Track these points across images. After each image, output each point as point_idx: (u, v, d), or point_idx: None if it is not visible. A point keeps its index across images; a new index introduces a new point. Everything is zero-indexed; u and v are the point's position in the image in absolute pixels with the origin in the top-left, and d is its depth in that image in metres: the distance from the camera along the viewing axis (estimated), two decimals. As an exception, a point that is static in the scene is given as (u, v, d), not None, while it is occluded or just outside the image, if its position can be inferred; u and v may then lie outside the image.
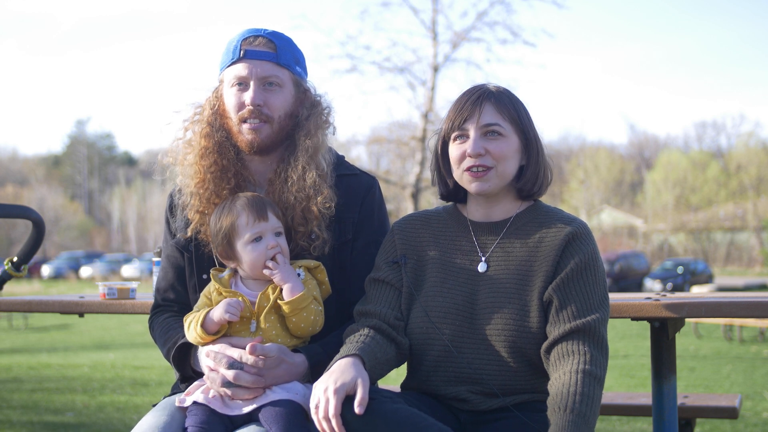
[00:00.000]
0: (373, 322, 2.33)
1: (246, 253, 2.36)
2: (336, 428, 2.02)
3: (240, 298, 2.36)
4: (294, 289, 2.34)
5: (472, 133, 2.33)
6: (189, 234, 2.54)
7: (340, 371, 2.09)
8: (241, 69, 2.48)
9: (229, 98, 2.51)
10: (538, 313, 2.25)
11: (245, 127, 2.48)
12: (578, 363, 2.14)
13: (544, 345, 2.23)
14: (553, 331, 2.22)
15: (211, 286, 2.43)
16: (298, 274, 2.38)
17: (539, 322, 2.25)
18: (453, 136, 2.37)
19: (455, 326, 2.29)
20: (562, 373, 2.15)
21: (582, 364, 2.14)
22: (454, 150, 2.37)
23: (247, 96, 2.47)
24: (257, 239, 2.36)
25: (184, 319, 2.44)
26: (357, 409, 2.01)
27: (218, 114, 2.54)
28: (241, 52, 2.48)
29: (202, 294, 2.46)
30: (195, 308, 2.45)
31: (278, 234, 2.40)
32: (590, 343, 2.19)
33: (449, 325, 2.30)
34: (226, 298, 2.37)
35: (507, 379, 2.26)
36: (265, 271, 2.35)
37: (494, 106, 2.34)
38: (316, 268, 2.44)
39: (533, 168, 2.38)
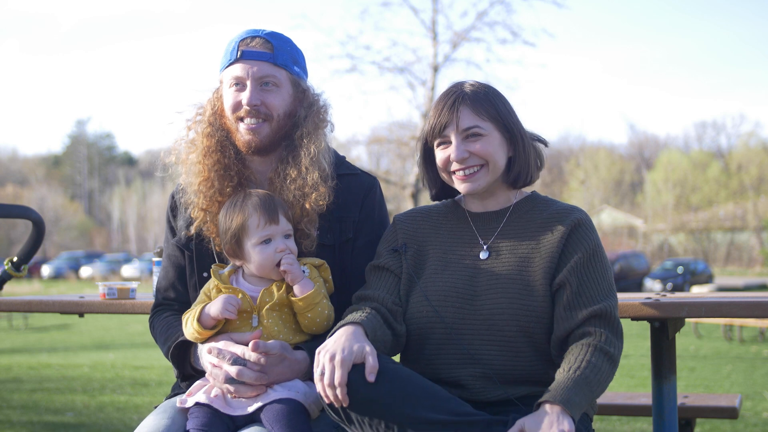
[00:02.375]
0: (372, 305, 2.35)
1: (255, 254, 2.37)
2: (341, 397, 2.04)
3: (240, 295, 2.36)
4: (305, 286, 2.36)
5: (453, 138, 2.37)
6: (192, 231, 2.55)
7: (345, 339, 2.11)
8: (237, 69, 2.49)
9: (227, 98, 2.52)
10: (543, 293, 2.28)
11: (243, 127, 2.49)
12: (593, 339, 2.21)
13: (559, 333, 2.25)
14: (570, 318, 2.25)
15: (211, 283, 2.44)
16: (303, 271, 2.40)
17: (543, 301, 2.28)
18: (436, 142, 2.41)
19: (456, 308, 2.31)
20: (575, 346, 2.21)
21: (596, 341, 2.20)
22: (439, 155, 2.42)
23: (244, 96, 2.48)
24: (266, 241, 2.37)
25: (183, 316, 2.44)
26: (369, 377, 2.05)
27: (218, 114, 2.56)
28: (238, 53, 2.49)
29: (201, 291, 2.47)
30: (193, 305, 2.45)
31: (287, 236, 2.41)
32: (607, 325, 2.24)
33: (449, 307, 2.32)
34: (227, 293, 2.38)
35: (509, 360, 2.27)
36: (282, 268, 2.36)
37: (470, 108, 2.36)
38: (320, 266, 2.45)
39: (522, 157, 2.40)
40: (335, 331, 2.17)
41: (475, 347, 2.29)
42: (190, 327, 2.37)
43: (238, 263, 2.43)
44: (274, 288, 2.38)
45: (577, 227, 2.33)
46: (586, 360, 2.15)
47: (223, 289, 2.39)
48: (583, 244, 2.31)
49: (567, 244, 2.31)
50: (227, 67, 2.52)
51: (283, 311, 2.39)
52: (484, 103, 2.37)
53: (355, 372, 2.05)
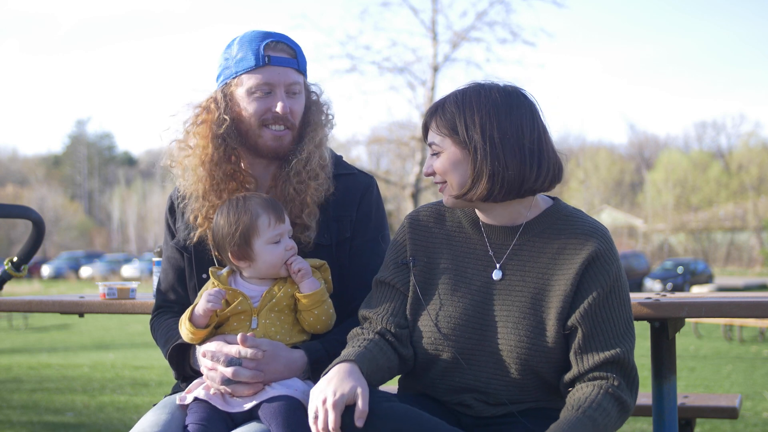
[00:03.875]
0: (377, 329, 2.30)
1: (265, 253, 2.37)
2: None
3: (240, 298, 2.36)
4: (313, 284, 2.37)
5: (428, 153, 2.33)
6: (194, 240, 2.54)
7: (338, 380, 2.06)
8: (267, 75, 2.44)
9: (250, 103, 2.46)
10: (554, 333, 2.18)
11: (269, 133, 2.47)
12: (605, 383, 2.12)
13: (568, 376, 2.18)
14: (581, 363, 2.16)
15: (210, 285, 2.43)
16: None
17: (554, 340, 2.18)
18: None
19: (465, 338, 2.24)
20: (586, 385, 2.13)
21: (608, 385, 2.11)
22: None
23: (277, 103, 2.44)
24: (277, 240, 2.37)
25: (180, 318, 2.44)
26: (357, 422, 2.00)
27: (230, 117, 2.49)
28: (267, 59, 2.44)
29: (199, 294, 2.46)
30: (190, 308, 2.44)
31: (290, 235, 2.43)
32: (621, 373, 2.15)
33: (459, 336, 2.24)
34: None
35: (514, 393, 2.23)
36: (293, 267, 2.36)
37: (436, 123, 2.27)
38: (321, 266, 2.45)
39: (478, 172, 2.19)
40: (330, 369, 2.12)
41: (481, 380, 2.23)
42: (184, 328, 2.38)
43: (243, 265, 2.41)
44: (276, 288, 2.39)
45: (594, 262, 2.17)
46: (597, 402, 2.06)
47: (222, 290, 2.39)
48: (599, 281, 2.16)
49: (582, 282, 2.17)
50: (251, 71, 2.46)
51: (284, 312, 2.39)
52: (448, 117, 2.24)
53: (348, 415, 2.01)
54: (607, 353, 2.14)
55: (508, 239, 2.29)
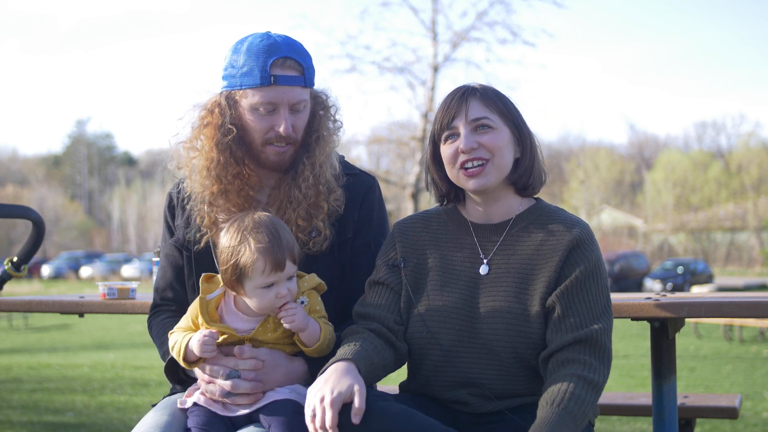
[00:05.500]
0: (372, 326, 2.31)
1: (254, 296, 2.26)
2: None
3: (225, 335, 2.27)
4: (313, 333, 2.29)
5: (462, 129, 2.29)
6: (202, 245, 2.52)
7: (336, 378, 2.06)
8: (272, 95, 2.41)
9: (254, 120, 2.44)
10: (540, 320, 2.23)
11: (271, 149, 2.46)
12: (576, 368, 2.15)
13: (544, 353, 2.21)
14: (555, 341, 2.20)
15: (196, 312, 2.31)
16: (302, 302, 2.32)
17: (540, 328, 2.23)
18: (443, 136, 2.34)
19: (455, 331, 2.27)
20: (558, 376, 2.15)
21: (579, 370, 2.14)
22: (447, 150, 2.33)
23: (280, 124, 2.42)
24: (268, 286, 2.26)
25: (169, 334, 2.38)
26: (354, 419, 2.00)
27: (235, 126, 2.47)
28: (272, 78, 2.40)
29: (188, 314, 2.36)
30: (178, 327, 2.37)
31: (290, 279, 2.29)
32: (591, 352, 2.18)
33: (449, 329, 2.28)
34: (209, 328, 2.28)
35: (507, 384, 2.26)
36: (283, 322, 2.25)
37: (480, 101, 2.31)
38: (318, 285, 2.37)
39: (529, 159, 2.34)
40: (327, 368, 2.12)
41: (474, 372, 2.25)
42: (176, 356, 2.32)
43: (234, 293, 2.31)
44: (271, 323, 2.30)
45: (576, 247, 2.25)
46: (570, 392, 2.10)
47: (210, 326, 2.27)
48: (578, 265, 2.24)
49: (564, 267, 2.24)
50: (255, 87, 2.42)
51: (277, 347, 2.33)
52: (493, 98, 2.33)
53: (344, 413, 2.01)
54: (581, 332, 2.18)
55: (495, 236, 2.35)
